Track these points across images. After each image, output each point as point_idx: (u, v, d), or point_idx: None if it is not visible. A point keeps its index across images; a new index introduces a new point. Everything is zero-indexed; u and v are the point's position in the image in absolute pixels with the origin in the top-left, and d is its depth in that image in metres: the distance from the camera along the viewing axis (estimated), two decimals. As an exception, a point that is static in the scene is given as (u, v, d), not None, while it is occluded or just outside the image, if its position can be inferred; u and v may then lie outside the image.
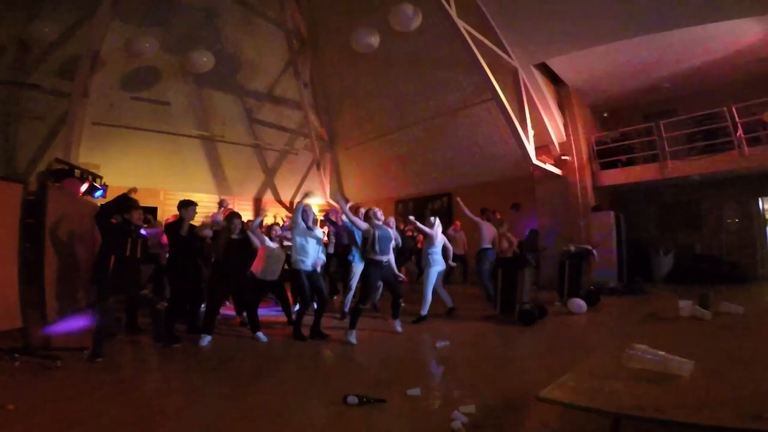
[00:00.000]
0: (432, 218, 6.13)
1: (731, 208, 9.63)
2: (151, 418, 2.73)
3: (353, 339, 4.64)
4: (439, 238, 6.02)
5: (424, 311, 5.75)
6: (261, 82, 11.13)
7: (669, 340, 1.92)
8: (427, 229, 5.98)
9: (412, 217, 6.32)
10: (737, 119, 8.13)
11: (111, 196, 8.06)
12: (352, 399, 2.82)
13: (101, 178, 8.36)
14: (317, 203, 13.22)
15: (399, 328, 5.10)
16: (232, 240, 4.95)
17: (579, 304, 6.21)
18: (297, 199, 12.56)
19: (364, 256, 5.05)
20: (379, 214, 5.08)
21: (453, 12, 7.21)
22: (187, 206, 5.17)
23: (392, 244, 5.15)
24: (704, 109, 8.68)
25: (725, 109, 8.27)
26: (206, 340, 4.77)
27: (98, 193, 8.03)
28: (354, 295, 5.94)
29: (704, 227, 9.79)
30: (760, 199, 9.55)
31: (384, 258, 4.91)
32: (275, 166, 12.10)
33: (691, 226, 9.89)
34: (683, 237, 9.83)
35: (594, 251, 7.43)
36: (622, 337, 1.95)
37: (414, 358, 4.24)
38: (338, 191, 13.49)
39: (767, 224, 9.60)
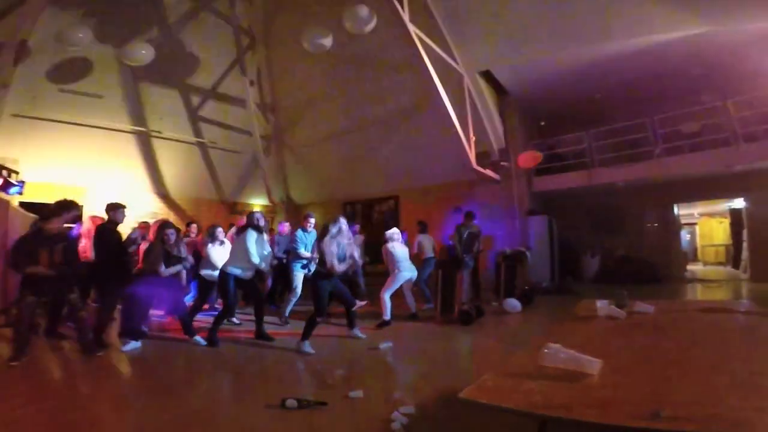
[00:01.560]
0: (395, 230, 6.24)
1: (651, 214, 10.51)
2: (72, 426, 2.57)
3: (308, 348, 4.44)
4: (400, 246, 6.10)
5: (387, 316, 5.73)
6: (204, 78, 10.66)
7: (584, 338, 2.05)
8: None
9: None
10: (658, 130, 8.88)
11: (30, 192, 7.48)
12: (291, 402, 2.77)
13: (17, 173, 7.66)
14: (261, 204, 12.90)
15: (360, 334, 5.01)
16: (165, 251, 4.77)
17: (513, 303, 6.51)
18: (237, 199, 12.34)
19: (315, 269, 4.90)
20: (343, 225, 4.72)
21: (406, 17, 7.30)
22: (116, 209, 4.98)
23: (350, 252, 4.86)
24: (630, 119, 9.36)
25: (647, 120, 9.00)
26: (132, 345, 4.53)
27: (14, 190, 7.34)
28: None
29: (627, 231, 10.59)
30: (675, 206, 10.50)
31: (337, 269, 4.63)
32: (217, 164, 11.64)
33: (615, 229, 10.67)
34: (609, 240, 10.59)
35: (528, 253, 7.83)
36: (547, 336, 2.06)
37: (357, 361, 4.24)
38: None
39: (681, 229, 10.56)
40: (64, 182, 8.75)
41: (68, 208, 4.40)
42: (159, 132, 10.27)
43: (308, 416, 2.68)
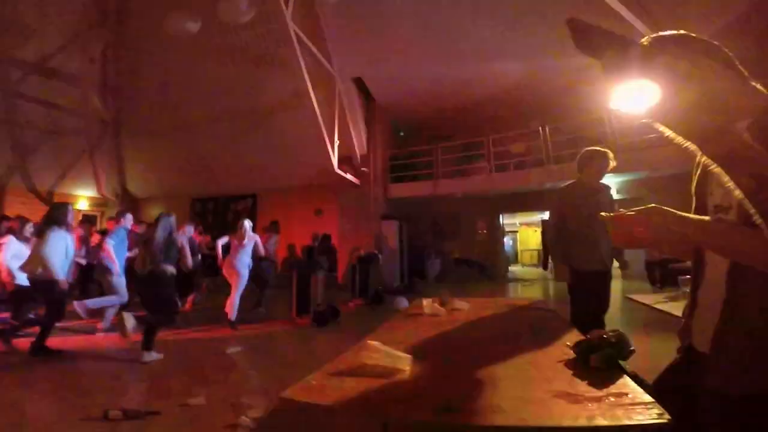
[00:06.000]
0: (247, 222, 5.96)
1: (482, 222, 12.11)
2: None
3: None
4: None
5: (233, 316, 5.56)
6: (32, 50, 8.89)
7: (406, 335, 2.27)
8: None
9: None
10: (491, 148, 10.26)
11: None
12: (115, 413, 2.56)
13: None
14: (88, 195, 11.25)
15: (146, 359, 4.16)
16: None
17: (401, 300, 6.68)
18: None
19: None
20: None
21: (288, 14, 7.14)
22: None
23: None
24: (474, 137, 10.60)
25: (484, 139, 10.31)
26: None
27: None
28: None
29: (463, 236, 12.03)
30: (501, 215, 12.30)
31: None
32: (31, 147, 9.76)
33: (453, 234, 12.06)
34: (449, 244, 11.90)
35: (379, 255, 8.38)
36: (375, 334, 2.26)
37: (200, 366, 4.02)
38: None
39: (504, 235, 12.36)
40: None
41: None
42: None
43: (138, 428, 2.49)
